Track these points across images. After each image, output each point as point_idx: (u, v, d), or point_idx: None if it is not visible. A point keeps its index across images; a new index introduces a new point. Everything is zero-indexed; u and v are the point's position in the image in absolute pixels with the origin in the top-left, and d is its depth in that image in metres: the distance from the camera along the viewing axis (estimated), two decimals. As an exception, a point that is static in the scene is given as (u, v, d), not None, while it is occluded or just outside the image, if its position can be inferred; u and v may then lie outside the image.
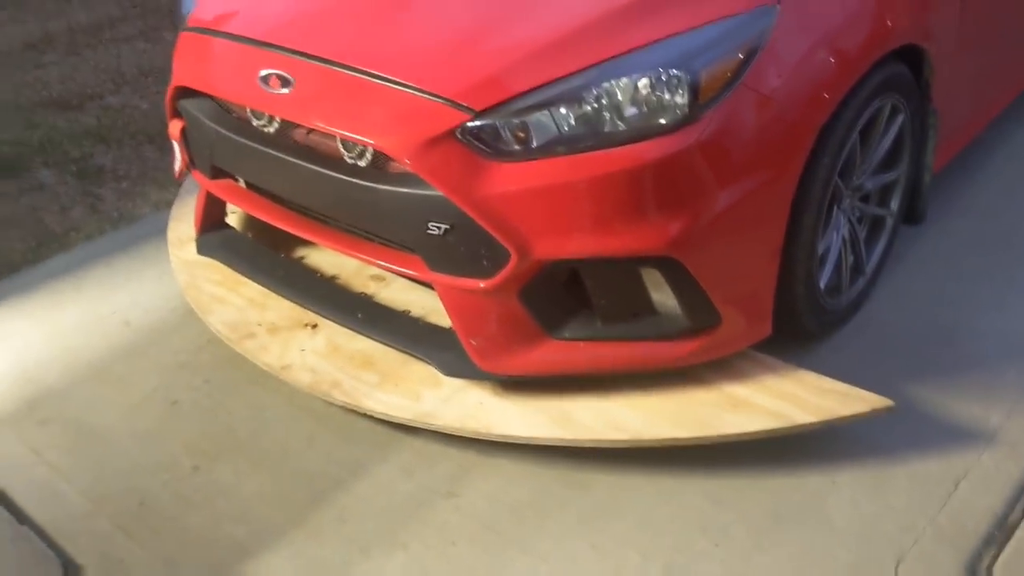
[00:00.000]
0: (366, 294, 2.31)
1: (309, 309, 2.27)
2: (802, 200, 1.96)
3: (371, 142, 1.87)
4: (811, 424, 1.89)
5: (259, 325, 2.33)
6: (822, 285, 2.17)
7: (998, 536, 1.78)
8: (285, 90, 2.00)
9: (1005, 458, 1.95)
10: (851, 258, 2.30)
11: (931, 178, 2.49)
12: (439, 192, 1.82)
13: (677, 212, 1.81)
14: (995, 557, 1.74)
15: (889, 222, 2.42)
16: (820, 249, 2.14)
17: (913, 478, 1.91)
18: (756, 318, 2.01)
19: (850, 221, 2.26)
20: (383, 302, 2.26)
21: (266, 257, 2.43)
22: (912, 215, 2.53)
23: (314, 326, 2.30)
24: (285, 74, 2.01)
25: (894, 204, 2.42)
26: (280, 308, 2.35)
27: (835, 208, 2.18)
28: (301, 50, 2.04)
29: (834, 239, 2.22)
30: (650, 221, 1.80)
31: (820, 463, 1.96)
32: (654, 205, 1.80)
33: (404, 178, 1.87)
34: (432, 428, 2.01)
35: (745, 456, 1.95)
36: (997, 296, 2.42)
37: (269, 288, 2.34)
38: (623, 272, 1.89)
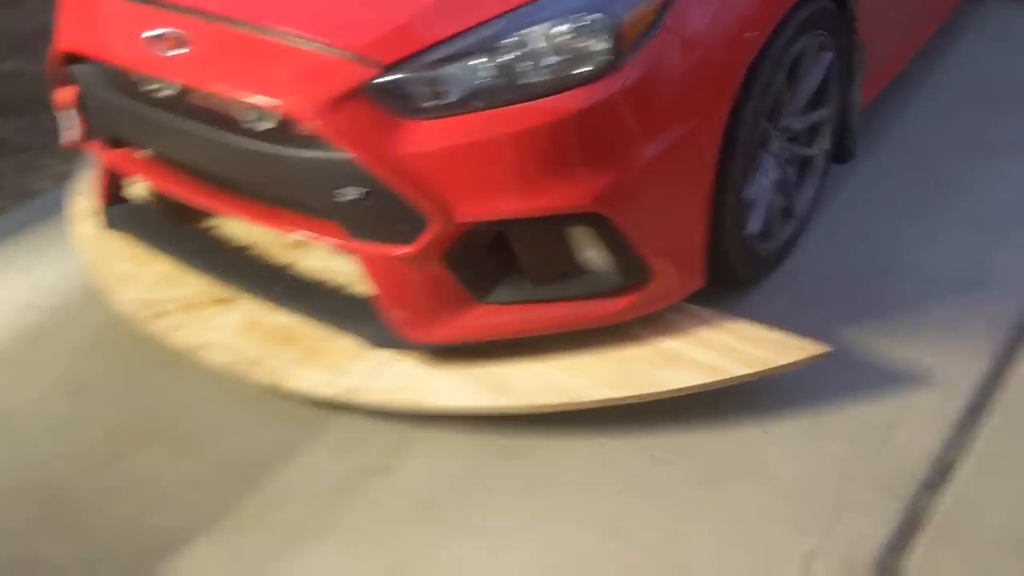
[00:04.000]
0: (285, 264, 2.19)
1: (224, 283, 2.15)
2: (730, 145, 1.90)
3: (273, 104, 1.75)
4: (748, 375, 1.85)
5: (171, 303, 2.20)
6: (753, 232, 2.13)
7: (937, 480, 1.78)
8: (178, 52, 1.85)
9: (940, 399, 1.94)
10: (781, 201, 2.25)
11: (859, 115, 2.45)
12: (350, 155, 1.70)
13: (603, 166, 1.73)
14: (935, 501, 1.73)
15: (819, 162, 2.38)
16: (750, 195, 2.09)
17: (850, 425, 1.89)
18: (688, 271, 1.96)
19: (779, 164, 2.21)
20: (303, 272, 2.15)
21: (177, 229, 2.29)
22: (841, 153, 2.49)
23: (230, 301, 2.18)
24: (178, 33, 1.86)
25: (823, 143, 2.37)
26: (194, 284, 2.23)
27: (763, 151, 2.12)
28: (194, 7, 1.89)
29: (763, 183, 2.17)
30: (576, 176, 1.72)
31: (756, 414, 1.93)
32: (579, 159, 1.72)
33: (312, 141, 1.75)
34: (360, 405, 1.93)
35: (682, 410, 1.91)
36: (927, 233, 2.40)
37: (180, 262, 2.21)
38: (550, 231, 1.81)
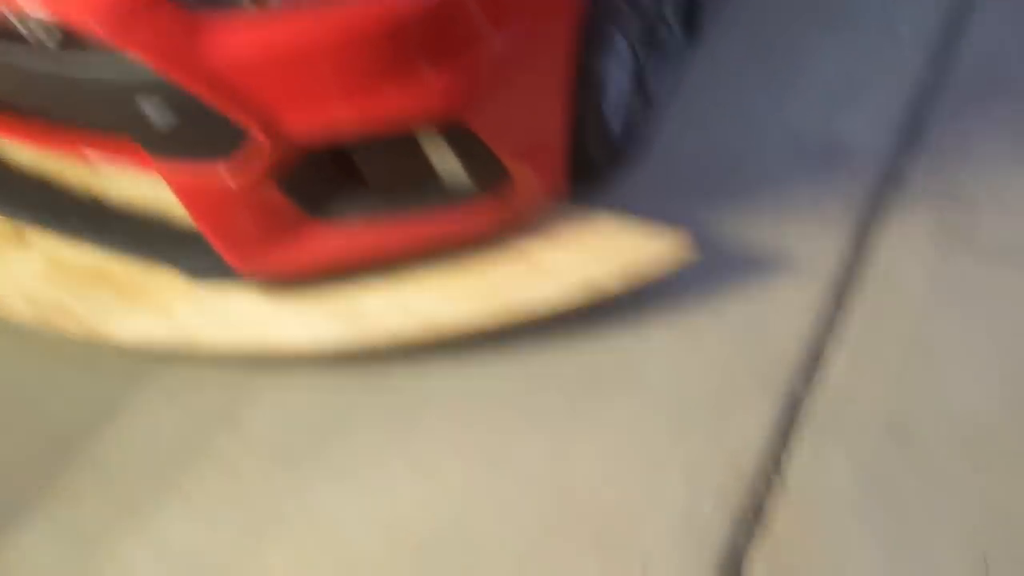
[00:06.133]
0: (87, 191, 1.87)
1: (13, 219, 1.83)
2: (586, 31, 1.73)
3: (50, 13, 1.42)
4: (618, 287, 1.75)
5: (-44, 248, 1.87)
6: (613, 125, 1.99)
7: (811, 369, 1.75)
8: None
9: (805, 282, 1.90)
10: (637, 88, 2.12)
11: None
12: (150, 66, 1.42)
13: (452, 64, 1.52)
14: (812, 392, 1.71)
15: (670, 43, 2.25)
16: (607, 84, 1.94)
17: (722, 321, 1.83)
18: (550, 171, 1.80)
19: (632, 48, 2.06)
20: (110, 200, 1.85)
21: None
22: (690, 30, 2.37)
23: (26, 240, 1.86)
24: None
25: (673, 22, 2.24)
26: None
27: (617, 36, 1.96)
28: None
29: (618, 70, 2.02)
30: (421, 78, 1.50)
31: (629, 319, 1.83)
32: (424, 58, 1.50)
33: (106, 52, 1.45)
34: (195, 350, 1.70)
35: (556, 324, 1.79)
36: (776, 106, 2.33)
37: (-43, 199, 1.86)
38: (397, 139, 1.60)
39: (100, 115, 1.56)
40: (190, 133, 1.50)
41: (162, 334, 1.70)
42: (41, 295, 1.77)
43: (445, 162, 1.66)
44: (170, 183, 1.59)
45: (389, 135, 1.56)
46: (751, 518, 1.54)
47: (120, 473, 1.60)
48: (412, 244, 1.73)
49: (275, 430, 1.67)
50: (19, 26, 1.49)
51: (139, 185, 1.83)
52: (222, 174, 1.53)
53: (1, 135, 1.71)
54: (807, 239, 1.99)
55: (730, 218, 2.04)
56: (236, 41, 1.43)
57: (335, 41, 1.44)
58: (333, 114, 1.50)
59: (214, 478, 1.60)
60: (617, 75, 2.01)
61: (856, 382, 1.72)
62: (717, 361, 1.77)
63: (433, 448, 1.64)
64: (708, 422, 1.67)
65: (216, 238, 1.64)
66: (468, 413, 1.69)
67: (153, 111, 1.48)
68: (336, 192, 1.67)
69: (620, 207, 1.91)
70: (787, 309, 1.85)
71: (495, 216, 1.74)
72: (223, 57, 1.42)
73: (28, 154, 1.91)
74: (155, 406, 1.70)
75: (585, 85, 1.79)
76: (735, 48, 2.53)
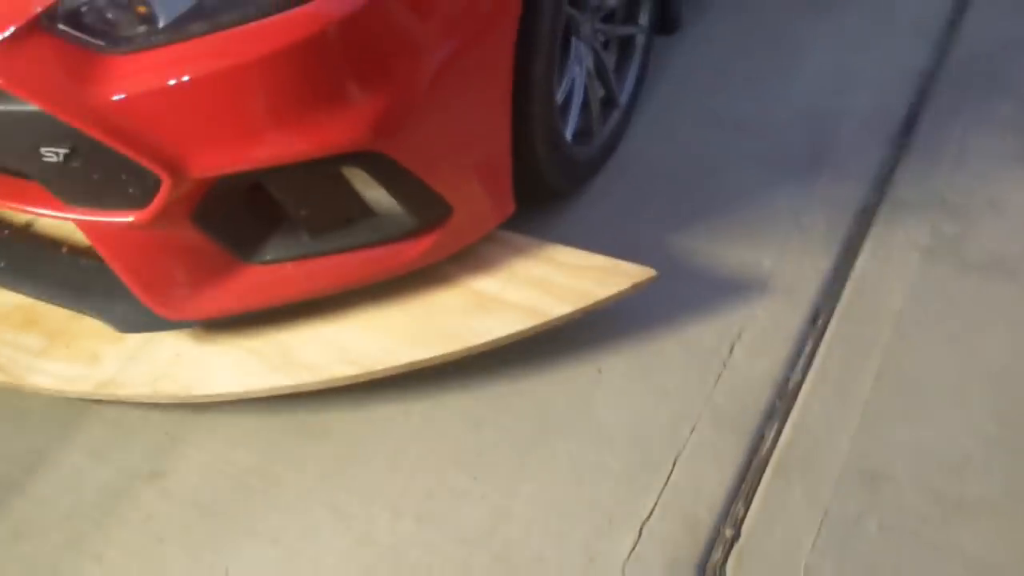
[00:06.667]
0: (13, 228, 1.79)
1: (-64, 261, 1.74)
2: (528, 43, 1.58)
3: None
4: (568, 314, 1.62)
5: None
6: (569, 135, 1.85)
7: (778, 407, 1.62)
8: None
9: (781, 307, 1.76)
10: (601, 91, 1.97)
11: (682, -20, 2.17)
12: (36, 108, 1.31)
13: (370, 90, 1.39)
14: (779, 432, 1.58)
15: (640, 40, 2.10)
16: (561, 94, 1.80)
17: (686, 350, 1.70)
18: (494, 197, 1.67)
19: (594, 49, 1.92)
20: (36, 237, 1.76)
21: None
22: (666, 24, 2.21)
23: (-48, 279, 1.78)
24: None
25: (643, 18, 2.09)
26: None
27: (573, 40, 1.82)
28: None
29: (577, 75, 1.88)
30: (336, 109, 1.37)
31: (585, 350, 1.71)
32: (337, 86, 1.37)
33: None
34: (118, 400, 1.61)
35: (507, 356, 1.67)
36: (760, 108, 2.18)
37: None
38: (319, 176, 1.48)
39: (5, 159, 1.46)
40: (102, 180, 1.39)
41: (85, 386, 1.61)
42: (-35, 338, 1.69)
43: (379, 196, 1.53)
44: (84, 231, 1.49)
45: (304, 171, 1.44)
46: (705, 578, 1.42)
47: (38, 534, 1.52)
48: (347, 282, 1.61)
49: (199, 480, 1.57)
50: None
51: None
52: (138, 223, 1.42)
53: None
54: (786, 258, 1.85)
55: (704, 234, 1.90)
56: (130, 78, 1.31)
57: (235, 70, 1.32)
58: (241, 151, 1.38)
59: (134, 538, 1.50)
60: (577, 84, 1.87)
61: (823, 422, 1.59)
62: (676, 395, 1.64)
63: (365, 500, 1.53)
64: (662, 470, 1.54)
65: (136, 286, 1.54)
66: (403, 463, 1.58)
67: (51, 154, 1.37)
68: (265, 231, 1.56)
69: (577, 224, 1.79)
70: (757, 336, 1.72)
71: (436, 247, 1.61)
72: (118, 95, 1.31)
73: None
74: (81, 456, 1.61)
75: (535, 105, 1.65)
76: (718, 44, 2.37)
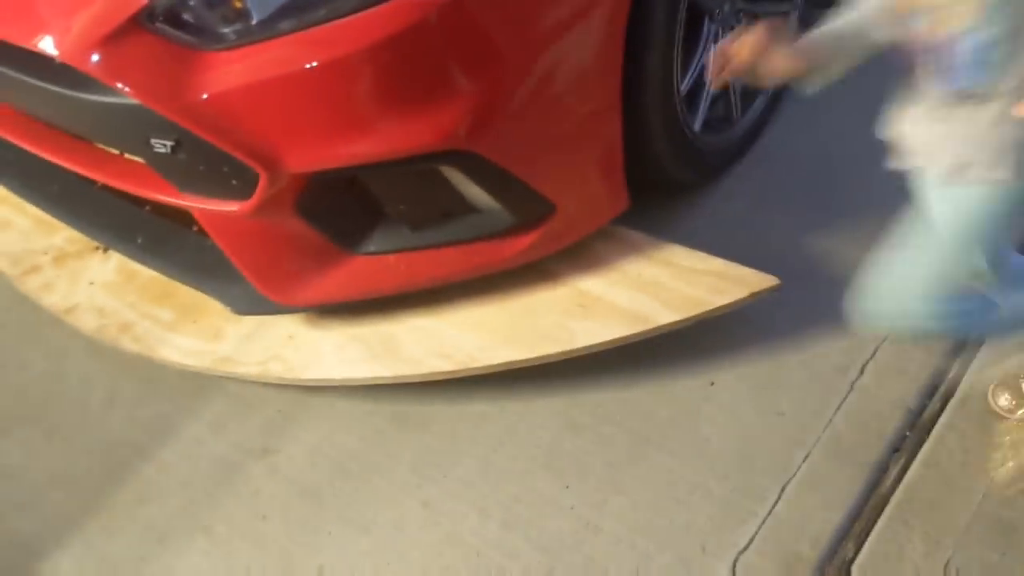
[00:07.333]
0: (153, 205, 1.88)
1: (86, 233, 1.87)
2: (640, 30, 1.47)
3: (48, 49, 1.39)
4: (675, 323, 1.52)
5: (45, 254, 1.95)
6: (698, 124, 1.72)
7: (910, 439, 1.45)
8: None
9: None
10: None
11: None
12: (140, 102, 1.36)
13: (461, 89, 1.34)
14: (905, 468, 1.42)
15: (793, 15, 1.91)
16: (690, 80, 1.67)
17: (808, 367, 1.56)
18: (603, 193, 1.59)
19: (733, 30, 1.76)
20: (172, 216, 1.84)
21: (38, 167, 1.99)
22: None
23: (106, 249, 1.91)
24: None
25: (798, -13, 1.90)
26: (69, 229, 1.95)
27: (705, 22, 1.68)
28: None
29: (701, 62, 1.73)
30: (427, 106, 1.34)
31: (697, 359, 1.61)
32: (427, 85, 1.33)
33: (103, 87, 1.41)
34: (232, 377, 1.68)
35: (610, 359, 1.59)
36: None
37: (42, 208, 1.93)
38: (413, 174, 1.45)
39: (121, 146, 1.55)
40: (206, 171, 1.44)
41: (204, 361, 1.69)
42: (109, 307, 1.81)
43: (477, 193, 1.49)
44: (198, 217, 1.55)
45: (399, 168, 1.42)
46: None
47: (155, 501, 1.62)
48: (448, 275, 1.59)
49: (306, 461, 1.62)
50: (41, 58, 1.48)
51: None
52: (243, 212, 1.46)
53: (55, 159, 1.72)
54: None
55: (843, 238, 1.72)
56: (225, 74, 1.33)
57: (326, 68, 1.31)
58: (334, 148, 1.37)
59: (240, 514, 1.57)
60: (704, 67, 1.73)
61: (964, 460, 1.41)
62: (791, 418, 1.51)
63: (455, 499, 1.52)
64: (766, 499, 1.43)
65: (247, 271, 1.59)
66: (496, 462, 1.55)
67: (160, 145, 1.42)
68: (369, 224, 1.56)
69: (707, 218, 1.67)
70: (895, 361, 1.56)
71: (538, 244, 1.55)
72: (213, 91, 1.33)
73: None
74: (202, 427, 1.69)
75: (651, 97, 1.54)
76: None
